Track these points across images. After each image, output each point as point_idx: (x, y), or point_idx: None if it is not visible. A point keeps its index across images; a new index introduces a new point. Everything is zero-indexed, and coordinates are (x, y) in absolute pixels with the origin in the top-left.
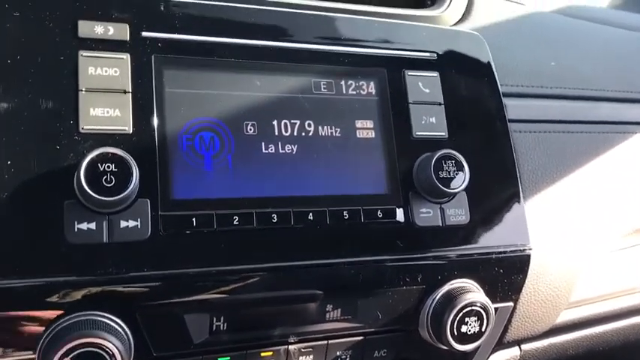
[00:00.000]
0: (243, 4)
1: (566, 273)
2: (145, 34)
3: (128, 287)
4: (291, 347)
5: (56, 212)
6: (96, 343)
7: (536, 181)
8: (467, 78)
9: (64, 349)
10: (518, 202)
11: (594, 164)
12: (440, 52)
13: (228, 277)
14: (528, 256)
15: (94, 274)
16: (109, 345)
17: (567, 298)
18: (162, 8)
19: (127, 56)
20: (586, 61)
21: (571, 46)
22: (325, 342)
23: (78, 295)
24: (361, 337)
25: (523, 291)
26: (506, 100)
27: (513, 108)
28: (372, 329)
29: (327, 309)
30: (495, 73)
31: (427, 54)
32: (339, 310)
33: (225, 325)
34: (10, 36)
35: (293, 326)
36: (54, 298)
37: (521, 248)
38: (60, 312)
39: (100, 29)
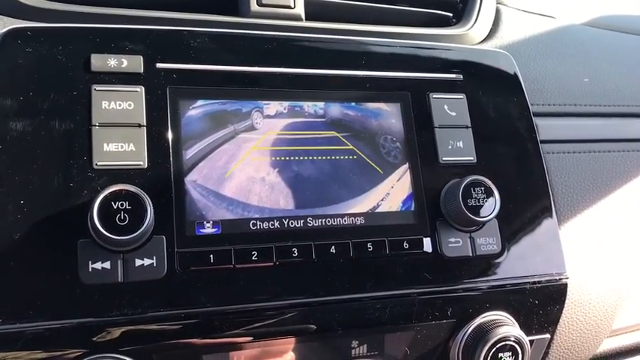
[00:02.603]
0: (258, 30)
1: (607, 300)
2: (159, 65)
3: (144, 328)
4: None
5: (70, 252)
6: None
7: (571, 204)
8: (495, 99)
9: None
10: (553, 228)
11: (633, 184)
12: (466, 73)
13: (248, 316)
14: (565, 285)
15: (109, 315)
16: None
17: (609, 326)
18: (175, 39)
19: (141, 89)
20: (621, 76)
21: (605, 60)
22: None
23: (93, 337)
24: None
25: (560, 321)
26: (537, 120)
27: (545, 128)
28: None
29: (353, 345)
30: (525, 93)
31: (452, 75)
32: (365, 346)
33: None
34: (22, 71)
35: None
36: (69, 341)
37: (557, 277)
38: (76, 354)
39: (113, 62)
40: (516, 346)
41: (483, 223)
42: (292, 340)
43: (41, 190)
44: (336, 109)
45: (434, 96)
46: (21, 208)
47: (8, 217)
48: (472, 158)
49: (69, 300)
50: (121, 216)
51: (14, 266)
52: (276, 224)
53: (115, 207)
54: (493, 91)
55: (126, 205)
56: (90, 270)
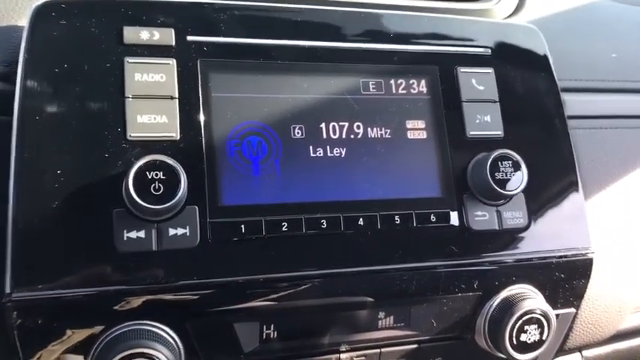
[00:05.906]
0: (288, 4)
1: (632, 276)
2: (190, 38)
3: (178, 296)
4: (342, 356)
5: (105, 221)
6: (146, 353)
7: (597, 180)
8: (523, 73)
9: None
10: (579, 202)
11: None
12: (494, 47)
13: (278, 285)
14: (591, 260)
15: (143, 282)
16: (159, 355)
17: (633, 302)
18: (206, 12)
19: (172, 61)
20: None
21: (632, 35)
22: (378, 350)
23: (128, 304)
24: (415, 346)
25: (585, 296)
26: (564, 96)
27: (572, 103)
28: (427, 337)
29: (380, 316)
30: (553, 68)
31: (480, 49)
32: (392, 317)
33: (276, 333)
34: (56, 44)
35: (344, 334)
36: (104, 308)
37: (583, 252)
38: (110, 321)
39: (145, 35)
40: (542, 319)
41: (510, 197)
42: (320, 309)
43: (77, 161)
44: (362, 84)
45: (462, 70)
46: (58, 179)
47: (45, 188)
48: (500, 132)
49: (105, 267)
50: (155, 186)
51: (52, 235)
52: (306, 197)
53: (150, 177)
54: (521, 65)
55: (160, 175)
56: (125, 239)
